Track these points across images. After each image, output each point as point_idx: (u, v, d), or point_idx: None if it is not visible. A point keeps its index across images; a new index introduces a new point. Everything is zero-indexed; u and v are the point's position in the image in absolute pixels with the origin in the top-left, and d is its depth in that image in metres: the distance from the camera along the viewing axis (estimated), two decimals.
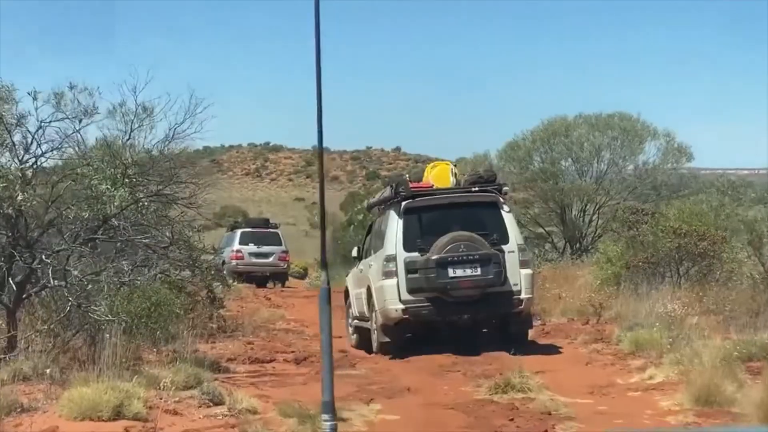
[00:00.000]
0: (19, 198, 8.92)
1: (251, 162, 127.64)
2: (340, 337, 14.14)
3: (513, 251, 12.63)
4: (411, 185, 13.05)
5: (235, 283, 25.45)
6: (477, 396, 9.53)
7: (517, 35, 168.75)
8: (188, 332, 13.60)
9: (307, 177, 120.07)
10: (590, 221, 27.58)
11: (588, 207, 27.49)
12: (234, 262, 26.25)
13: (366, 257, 14.26)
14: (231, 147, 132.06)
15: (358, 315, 14.43)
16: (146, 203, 9.76)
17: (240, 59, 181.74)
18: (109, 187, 9.11)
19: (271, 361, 12.75)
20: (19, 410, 8.11)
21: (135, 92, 11.19)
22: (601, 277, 17.60)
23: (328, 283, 6.84)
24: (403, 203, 12.71)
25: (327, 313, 6.77)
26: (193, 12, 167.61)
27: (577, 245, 27.63)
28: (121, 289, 11.22)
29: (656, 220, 17.93)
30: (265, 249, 27.35)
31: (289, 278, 30.19)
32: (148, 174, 10.45)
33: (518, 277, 12.54)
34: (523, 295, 12.58)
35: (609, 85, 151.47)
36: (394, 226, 12.64)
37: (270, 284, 27.50)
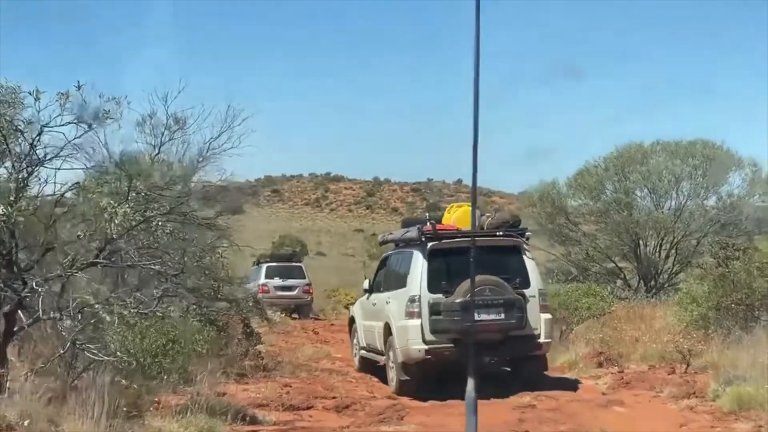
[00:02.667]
0: (5, 213, 7.39)
1: (312, 192, 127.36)
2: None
3: (534, 296, 12.90)
4: (439, 227, 13.17)
5: (282, 315, 24.20)
6: None
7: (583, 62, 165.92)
8: (218, 371, 12.26)
9: (367, 208, 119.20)
10: (667, 257, 25.38)
11: (665, 241, 25.30)
12: (261, 295, 26.10)
13: (378, 291, 14.42)
14: (292, 177, 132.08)
15: (366, 346, 14.93)
16: (160, 223, 8.13)
17: (302, 86, 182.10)
18: (111, 202, 7.54)
19: (308, 408, 11.12)
20: None
21: (166, 101, 9.80)
22: (686, 319, 15.56)
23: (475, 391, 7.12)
24: (429, 245, 12.82)
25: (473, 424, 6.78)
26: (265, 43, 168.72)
27: (652, 282, 25.45)
28: (138, 323, 9.74)
29: (749, 256, 15.85)
30: (290, 282, 28.53)
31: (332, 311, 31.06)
32: (162, 189, 8.88)
33: (539, 321, 12.82)
34: (542, 339, 12.89)
35: (683, 113, 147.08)
36: (419, 267, 12.77)
37: (294, 315, 28.03)
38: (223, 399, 10.58)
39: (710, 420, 9.76)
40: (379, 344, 13.78)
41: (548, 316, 13.10)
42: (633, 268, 26.39)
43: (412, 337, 12.50)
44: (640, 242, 25.65)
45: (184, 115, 11.86)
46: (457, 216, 13.56)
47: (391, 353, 13.11)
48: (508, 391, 11.96)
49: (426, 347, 12.41)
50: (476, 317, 11.83)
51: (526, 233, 13.67)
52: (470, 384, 6.81)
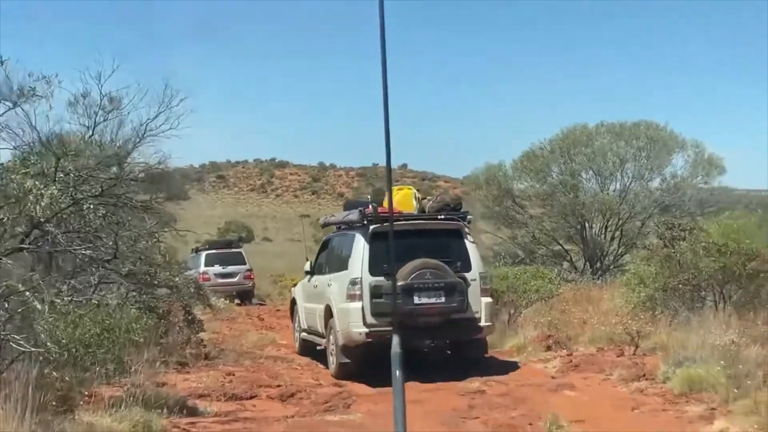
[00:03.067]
0: None
1: (257, 178, 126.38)
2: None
3: (475, 279, 12.79)
4: (380, 209, 12.75)
5: (226, 301, 23.82)
6: None
7: (526, 40, 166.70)
8: (157, 361, 11.83)
9: (313, 193, 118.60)
10: (612, 238, 25.41)
11: (610, 223, 25.32)
12: (202, 283, 25.45)
13: (320, 273, 14.28)
14: (237, 163, 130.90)
15: (307, 328, 14.83)
16: (91, 206, 7.66)
17: (247, 73, 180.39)
18: (36, 183, 7.07)
19: (251, 397, 10.73)
20: None
21: (100, 80, 9.31)
22: (633, 300, 15.47)
23: (400, 347, 6.53)
24: (371, 227, 12.57)
25: (400, 381, 6.31)
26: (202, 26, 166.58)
27: (598, 264, 25.50)
28: (72, 311, 9.27)
29: (695, 237, 15.81)
30: (230, 269, 28.46)
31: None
32: (93, 170, 8.39)
33: (479, 305, 12.75)
34: (483, 323, 12.78)
35: (627, 94, 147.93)
36: (360, 250, 12.60)
37: (237, 301, 27.80)
38: (162, 390, 10.16)
39: (661, 402, 9.60)
40: (320, 327, 13.63)
41: (489, 299, 13.01)
42: (579, 251, 26.44)
43: (353, 320, 12.35)
44: (586, 224, 25.69)
45: (119, 95, 11.34)
46: (398, 199, 13.31)
47: (331, 336, 12.95)
48: (456, 376, 11.73)
49: (367, 330, 12.24)
50: (417, 300, 12.09)
51: (468, 217, 13.52)
52: (395, 364, 6.46)
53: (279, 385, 11.43)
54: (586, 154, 25.03)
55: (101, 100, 10.73)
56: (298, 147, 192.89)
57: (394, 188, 13.58)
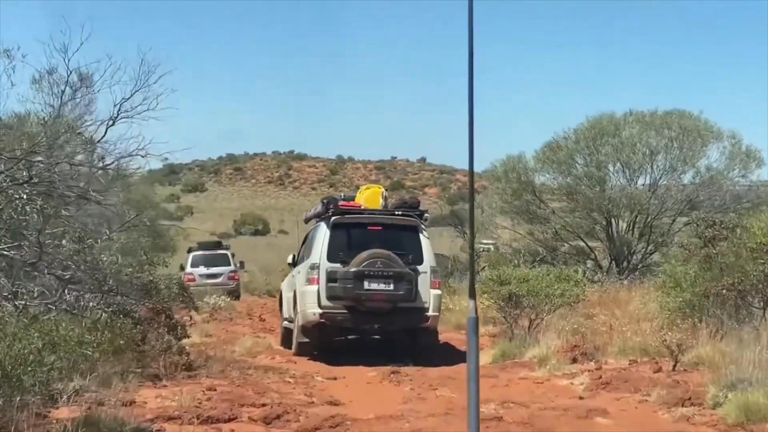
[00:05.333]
0: None
1: (274, 170, 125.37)
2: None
3: (426, 272, 13.86)
4: (341, 204, 14.27)
5: (225, 299, 22.56)
6: None
7: (546, 30, 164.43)
8: (130, 373, 10.44)
9: (331, 186, 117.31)
10: (641, 235, 23.70)
11: (638, 219, 23.60)
12: (187, 283, 26.53)
13: (298, 264, 15.32)
14: (255, 155, 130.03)
15: (287, 317, 15.58)
16: (21, 195, 6.16)
17: (265, 65, 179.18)
18: None
19: (230, 420, 9.17)
20: None
21: (66, 54, 7.89)
22: (669, 306, 13.84)
23: (476, 312, 6.75)
24: (332, 218, 13.92)
25: (475, 345, 6.60)
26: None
27: (625, 263, 23.83)
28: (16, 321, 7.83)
29: (738, 236, 14.14)
30: (215, 270, 29.39)
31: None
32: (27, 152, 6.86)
33: (428, 296, 13.80)
34: (430, 312, 13.84)
35: (658, 83, 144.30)
36: (322, 238, 13.86)
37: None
38: (127, 410, 8.72)
39: None
40: (293, 312, 14.62)
41: (438, 292, 14.13)
42: (604, 248, 24.78)
43: (309, 302, 13.55)
44: (613, 220, 24.02)
45: (89, 70, 9.91)
46: (365, 196, 14.66)
47: (296, 318, 14.20)
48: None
49: (320, 311, 13.47)
50: (367, 286, 13.34)
51: (425, 215, 14.59)
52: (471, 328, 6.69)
53: (265, 404, 9.87)
54: (613, 145, 23.29)
55: (68, 76, 9.32)
56: (317, 139, 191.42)
57: (364, 186, 15.40)
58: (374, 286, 13.34)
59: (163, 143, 11.38)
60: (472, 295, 6.80)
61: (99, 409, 8.80)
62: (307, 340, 13.80)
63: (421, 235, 14.04)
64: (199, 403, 9.72)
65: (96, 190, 8.58)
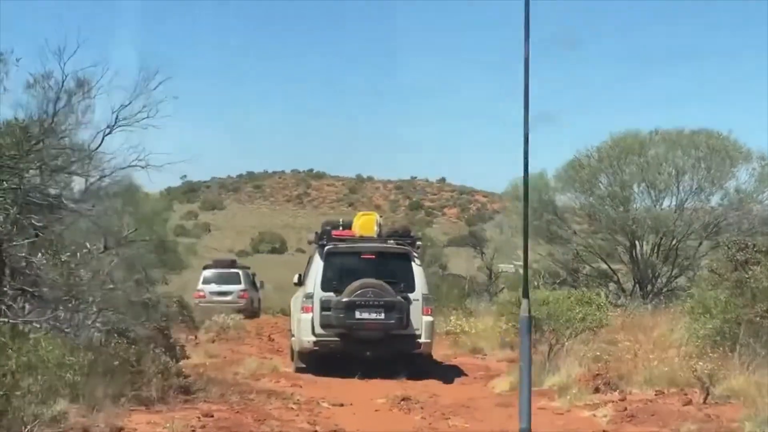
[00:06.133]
0: None
1: (293, 188, 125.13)
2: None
3: (418, 299, 14.16)
4: (334, 232, 14.71)
5: (236, 318, 21.89)
6: None
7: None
8: (122, 397, 9.80)
9: (350, 205, 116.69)
10: (666, 258, 22.83)
11: (663, 241, 22.75)
12: (197, 300, 27.84)
13: (301, 285, 15.46)
14: (274, 173, 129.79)
15: (292, 335, 15.71)
16: None
17: (281, 80, 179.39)
18: None
19: None
20: None
21: (61, 57, 7.35)
22: (698, 333, 13.03)
23: (529, 311, 6.81)
24: (326, 248, 14.34)
25: (527, 343, 6.82)
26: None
27: (649, 287, 22.97)
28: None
29: None
30: (225, 288, 29.22)
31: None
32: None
33: (420, 323, 14.14)
34: (422, 339, 14.18)
35: (685, 101, 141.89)
36: (316, 267, 14.29)
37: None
38: None
39: None
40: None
41: (430, 318, 14.36)
42: (627, 271, 23.93)
43: (304, 329, 14.08)
44: (636, 242, 23.17)
45: (85, 74, 9.35)
46: (361, 223, 14.98)
47: (294, 341, 14.89)
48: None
49: (314, 339, 14.00)
50: (358, 316, 13.73)
51: (417, 243, 15.11)
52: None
53: None
54: (638, 164, 22.47)
55: (63, 81, 8.76)
56: (336, 158, 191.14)
57: (360, 213, 15.70)
58: (365, 315, 13.74)
59: (166, 154, 10.74)
60: (526, 294, 6.82)
61: None
62: (303, 365, 14.36)
63: (412, 263, 14.40)
64: (193, 431, 9.05)
65: (78, 201, 7.95)
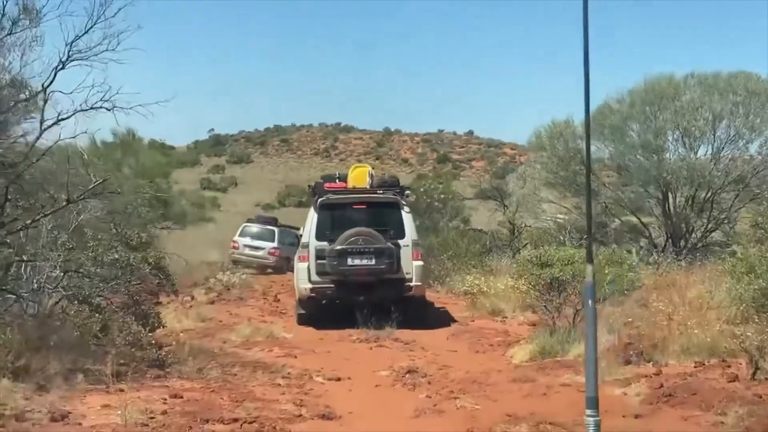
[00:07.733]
0: None
1: (321, 142, 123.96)
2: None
3: (408, 245, 14.87)
4: (327, 185, 15.45)
5: (242, 276, 20.84)
6: None
7: None
8: (80, 373, 8.63)
9: (377, 158, 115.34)
10: (701, 211, 21.19)
11: (698, 193, 21.08)
12: (231, 250, 29.23)
13: None
14: (302, 126, 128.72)
15: None
16: None
17: (309, 37, 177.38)
18: None
19: None
20: None
21: None
22: (742, 296, 11.51)
23: (594, 277, 6.55)
24: (319, 200, 15.04)
25: (593, 309, 6.51)
26: None
27: (682, 242, 21.38)
28: None
29: None
30: (258, 243, 29.51)
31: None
32: None
33: (411, 267, 14.82)
34: (413, 282, 14.83)
35: (721, 43, 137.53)
36: (311, 219, 15.01)
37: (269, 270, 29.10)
38: (54, 427, 6.85)
39: None
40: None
41: (420, 263, 15.03)
42: (659, 225, 22.31)
43: (301, 278, 14.82)
44: (670, 194, 21.53)
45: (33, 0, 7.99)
46: (353, 176, 15.68)
47: (295, 291, 15.49)
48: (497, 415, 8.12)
49: (311, 286, 14.71)
50: (351, 262, 14.41)
51: (406, 192, 15.91)
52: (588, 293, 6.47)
53: (236, 419, 7.88)
54: (672, 110, 20.71)
55: (4, 6, 7.43)
56: (364, 111, 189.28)
57: (354, 165, 16.36)
58: (357, 261, 14.40)
59: (136, 94, 9.36)
60: (590, 259, 6.56)
61: (14, 426, 6.93)
62: (303, 311, 14.98)
63: (402, 211, 15.10)
64: (152, 416, 7.74)
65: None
